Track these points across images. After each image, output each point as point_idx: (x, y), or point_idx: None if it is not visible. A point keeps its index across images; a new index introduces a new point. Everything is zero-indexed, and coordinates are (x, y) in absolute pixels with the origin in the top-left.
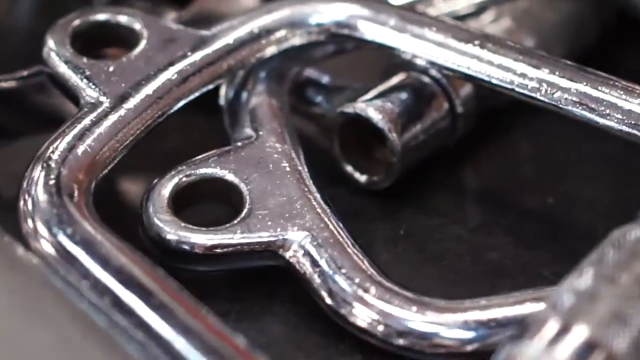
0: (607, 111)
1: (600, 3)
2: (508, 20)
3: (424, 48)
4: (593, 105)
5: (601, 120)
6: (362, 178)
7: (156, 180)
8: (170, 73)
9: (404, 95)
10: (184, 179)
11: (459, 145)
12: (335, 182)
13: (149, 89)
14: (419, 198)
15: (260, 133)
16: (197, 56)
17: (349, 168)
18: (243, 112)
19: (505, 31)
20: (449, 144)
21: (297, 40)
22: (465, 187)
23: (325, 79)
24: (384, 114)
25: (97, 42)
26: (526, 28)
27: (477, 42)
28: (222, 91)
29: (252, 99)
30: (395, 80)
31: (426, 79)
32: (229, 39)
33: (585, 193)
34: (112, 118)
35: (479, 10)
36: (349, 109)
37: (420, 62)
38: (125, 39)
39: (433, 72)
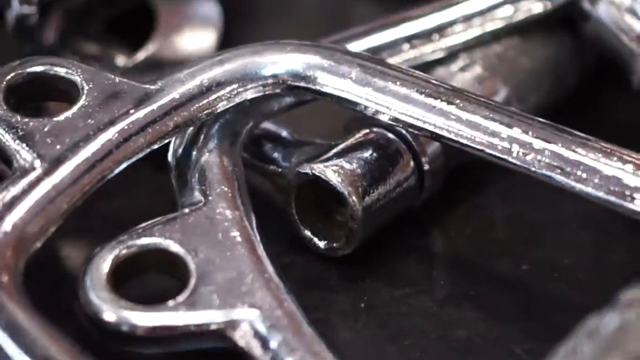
0: (584, 175)
1: (579, 46)
2: (480, 67)
3: (387, 104)
4: (569, 169)
5: (577, 186)
6: (321, 244)
7: (95, 251)
8: (111, 133)
9: (366, 154)
10: (125, 250)
11: (426, 206)
12: (292, 247)
13: (87, 151)
14: (382, 265)
15: (210, 198)
16: (141, 113)
17: (307, 232)
18: (192, 172)
19: (477, 79)
20: (415, 205)
21: (250, 93)
22: (432, 253)
23: (283, 133)
24: (343, 176)
25: (34, 96)
26: (499, 76)
27: (444, 98)
28: (171, 147)
29: (202, 158)
30: (357, 136)
31: (390, 135)
32: (175, 94)
33: (562, 259)
34: (46, 185)
35: (448, 56)
36: (306, 169)
37: (383, 118)
38: (65, 91)
39: (398, 127)
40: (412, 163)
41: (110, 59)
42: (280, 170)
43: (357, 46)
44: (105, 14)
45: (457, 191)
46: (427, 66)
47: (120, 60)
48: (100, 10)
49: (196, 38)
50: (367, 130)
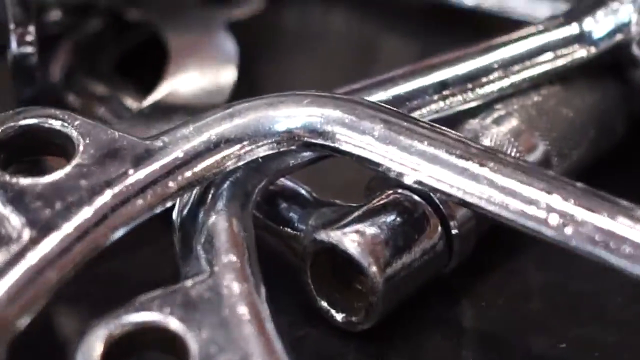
0: (633, 252)
1: (626, 93)
2: (516, 119)
3: (412, 166)
4: (614, 244)
5: (624, 264)
6: (338, 317)
7: (88, 328)
8: (107, 196)
9: (389, 218)
10: (120, 328)
11: (454, 274)
12: (306, 319)
13: (80, 217)
14: (406, 341)
15: (216, 268)
16: (141, 173)
17: (324, 304)
18: (197, 238)
19: (513, 133)
20: (443, 274)
21: (262, 150)
22: (461, 327)
23: (301, 192)
24: (363, 245)
25: (28, 151)
26: (538, 129)
27: (475, 159)
28: (176, 207)
29: (209, 221)
30: (379, 198)
31: (416, 197)
32: (179, 152)
33: (605, 337)
34: (33, 257)
35: (482, 107)
36: (322, 236)
37: (407, 180)
38: (60, 146)
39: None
40: (439, 228)
41: (118, 101)
42: (295, 233)
43: (381, 95)
44: (114, 49)
45: (488, 257)
46: (458, 118)
47: (130, 102)
48: (109, 44)
49: (211, 78)
50: (391, 192)
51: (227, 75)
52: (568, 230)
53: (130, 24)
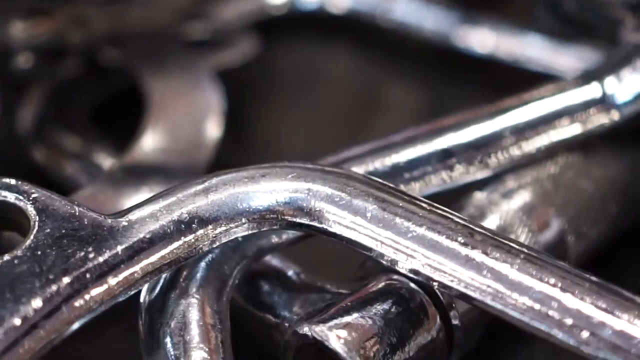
0: None
1: None
2: (529, 193)
3: (408, 252)
4: (637, 352)
5: None
6: None
7: None
8: (63, 283)
9: (381, 308)
10: None
11: None
12: None
13: (28, 309)
14: None
15: None
16: (102, 257)
17: None
18: (164, 330)
19: (525, 209)
20: None
21: (241, 231)
22: None
23: (287, 272)
24: (351, 343)
25: None
26: (553, 204)
27: (480, 247)
28: (143, 291)
29: (178, 310)
30: (371, 285)
31: (412, 285)
32: (146, 232)
33: None
34: None
35: (490, 179)
36: (306, 330)
37: (401, 268)
38: (15, 221)
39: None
40: (438, 319)
41: (90, 158)
42: (277, 321)
43: (377, 164)
44: (89, 97)
45: (493, 348)
46: (462, 191)
47: (102, 159)
48: (83, 92)
49: (193, 133)
50: (385, 277)
51: (211, 131)
52: (584, 335)
53: (106, 69)
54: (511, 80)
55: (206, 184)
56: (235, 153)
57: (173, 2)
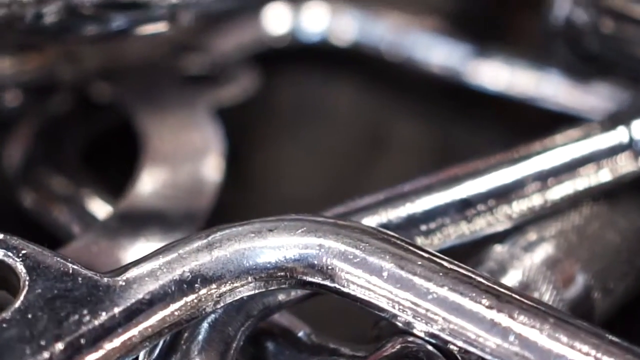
0: None
1: None
2: (552, 246)
3: (427, 315)
4: None
5: None
6: None
7: None
8: (56, 349)
9: None
10: None
11: None
12: None
13: None
14: None
15: None
16: (98, 319)
17: None
18: None
19: (547, 263)
20: None
21: (247, 290)
22: None
23: (296, 332)
24: None
25: None
26: (578, 258)
27: (505, 310)
28: (140, 357)
29: None
30: (387, 348)
31: (430, 347)
32: (145, 293)
33: None
34: None
35: (511, 231)
36: None
37: (418, 331)
38: (4, 279)
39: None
40: None
41: (82, 203)
42: None
43: (391, 215)
44: (80, 136)
45: None
46: (481, 243)
47: (95, 206)
48: (74, 131)
49: (192, 175)
50: (400, 339)
51: (211, 174)
52: None
53: (98, 106)
54: (526, 120)
55: (209, 239)
56: (237, 197)
57: (168, 34)
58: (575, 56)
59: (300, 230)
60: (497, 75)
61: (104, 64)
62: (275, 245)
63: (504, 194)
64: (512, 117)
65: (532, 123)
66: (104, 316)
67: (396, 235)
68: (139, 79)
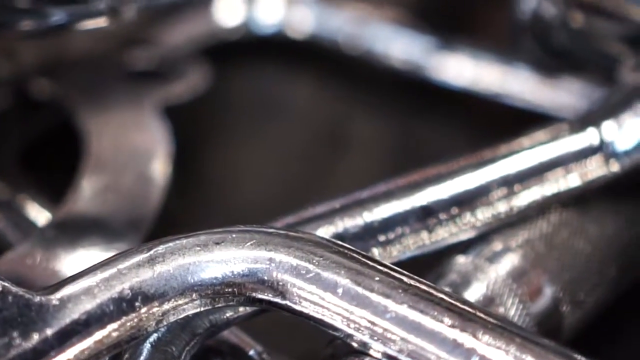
0: None
1: None
2: (518, 256)
3: (383, 335)
4: None
5: None
6: None
7: None
8: None
9: None
10: None
11: None
12: None
13: None
14: None
15: None
16: (29, 343)
17: None
18: None
19: (513, 274)
20: None
21: (192, 308)
22: None
23: (246, 351)
24: None
25: None
26: (545, 268)
27: (469, 329)
28: None
29: None
30: None
31: None
32: (81, 313)
33: None
34: None
35: (475, 240)
36: None
37: (374, 352)
38: None
39: None
40: None
41: (19, 210)
42: None
43: (347, 223)
44: (18, 136)
45: None
46: (443, 253)
47: (34, 211)
48: (11, 131)
49: (137, 180)
50: (356, 358)
51: (156, 178)
52: None
53: (38, 104)
54: (492, 117)
55: (151, 253)
56: (185, 203)
57: (112, 28)
58: (544, 51)
59: (249, 243)
60: (461, 69)
61: (43, 59)
62: (222, 259)
63: (468, 200)
64: (478, 115)
65: (499, 121)
66: (35, 338)
67: (352, 248)
68: (81, 75)
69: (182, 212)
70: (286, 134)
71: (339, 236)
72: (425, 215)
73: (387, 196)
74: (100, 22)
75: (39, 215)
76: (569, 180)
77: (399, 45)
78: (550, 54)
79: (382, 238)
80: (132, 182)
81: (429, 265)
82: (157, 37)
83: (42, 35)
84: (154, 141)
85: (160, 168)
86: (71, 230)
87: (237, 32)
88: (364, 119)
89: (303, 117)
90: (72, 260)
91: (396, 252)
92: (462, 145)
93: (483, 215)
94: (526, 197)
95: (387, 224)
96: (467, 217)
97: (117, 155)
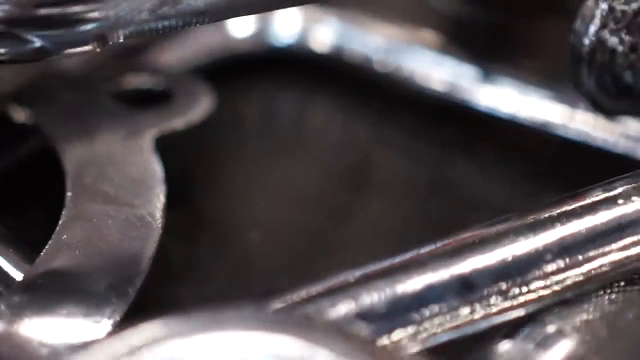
0: None
1: None
2: (574, 341)
3: None
4: None
5: None
6: None
7: None
8: None
9: None
10: None
11: None
12: None
13: None
14: None
15: None
16: None
17: None
18: None
19: None
20: None
21: None
22: None
23: None
24: None
25: None
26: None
27: None
28: None
29: None
30: None
31: None
32: None
33: None
34: None
35: (522, 320)
36: None
37: None
38: None
39: None
40: None
41: None
42: None
43: (374, 298)
44: None
45: None
46: (485, 336)
47: (7, 268)
48: None
49: (125, 225)
50: None
51: (149, 223)
52: None
53: (15, 133)
54: (539, 151)
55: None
56: (182, 251)
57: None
58: (603, 90)
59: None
60: (506, 95)
61: (22, 82)
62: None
63: (516, 272)
64: (524, 147)
65: (548, 157)
66: None
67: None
68: (64, 100)
69: (180, 261)
70: (299, 170)
71: (361, 315)
72: (466, 290)
73: (420, 265)
74: (86, 48)
75: (10, 271)
76: (638, 250)
77: (440, 67)
78: (613, 96)
79: (413, 317)
80: (120, 229)
81: (468, 350)
82: (154, 54)
83: (21, 62)
84: (148, 177)
85: (154, 212)
86: (43, 294)
87: (250, 44)
88: (391, 151)
89: (318, 148)
90: (43, 332)
91: (429, 335)
92: (507, 186)
93: (534, 291)
94: (585, 268)
95: (420, 300)
96: (516, 292)
97: (103, 196)
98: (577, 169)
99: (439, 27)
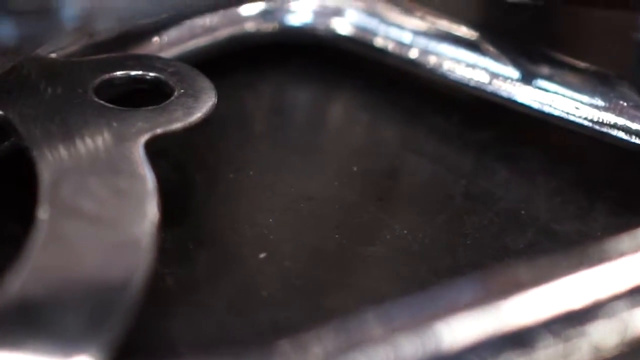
0: None
1: None
2: None
3: None
4: None
5: None
6: None
7: None
8: None
9: None
10: None
11: None
12: None
13: None
14: None
15: None
16: None
17: None
18: None
19: None
20: None
21: None
22: None
23: None
24: None
25: None
26: None
27: None
28: None
29: None
30: None
31: None
32: None
33: None
34: None
35: None
36: None
37: None
38: None
39: None
40: None
41: None
42: None
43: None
44: None
45: None
46: None
47: None
48: None
49: (109, 252)
50: None
51: (138, 242)
52: None
53: None
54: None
55: None
56: (177, 274)
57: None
58: None
59: None
60: (553, 94)
61: None
62: None
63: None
64: (577, 155)
65: (606, 164)
66: None
67: None
68: (43, 94)
69: (174, 289)
70: (313, 177)
71: None
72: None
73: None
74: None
75: None
76: None
77: (475, 60)
78: None
79: None
80: (103, 253)
81: None
82: (150, 43)
83: None
84: (137, 189)
85: (144, 230)
86: (9, 329)
87: (258, 24)
88: (420, 158)
89: (336, 153)
90: None
91: None
92: (554, 199)
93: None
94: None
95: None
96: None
97: (83, 212)
98: (635, 179)
99: (479, 16)
